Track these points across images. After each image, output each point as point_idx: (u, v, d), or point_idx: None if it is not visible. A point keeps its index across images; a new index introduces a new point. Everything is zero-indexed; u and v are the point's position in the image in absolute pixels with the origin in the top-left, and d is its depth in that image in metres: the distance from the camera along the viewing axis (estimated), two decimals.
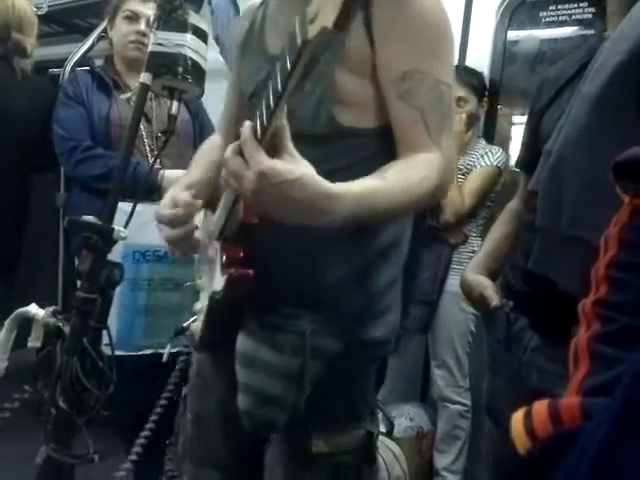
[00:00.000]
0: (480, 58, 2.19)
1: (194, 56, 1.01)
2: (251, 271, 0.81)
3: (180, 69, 0.99)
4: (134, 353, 1.51)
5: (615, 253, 0.49)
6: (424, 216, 1.80)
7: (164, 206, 0.94)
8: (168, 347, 1.08)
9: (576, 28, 2.17)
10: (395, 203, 0.77)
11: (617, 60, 0.85)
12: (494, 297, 1.17)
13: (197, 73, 1.02)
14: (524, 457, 0.39)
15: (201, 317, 0.99)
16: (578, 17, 2.13)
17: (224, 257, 0.86)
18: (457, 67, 2.06)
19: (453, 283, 1.73)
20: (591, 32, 2.08)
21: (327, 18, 0.51)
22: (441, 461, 1.97)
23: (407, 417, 2.03)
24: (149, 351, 1.52)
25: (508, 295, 1.16)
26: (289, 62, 0.58)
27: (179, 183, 1.01)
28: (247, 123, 0.68)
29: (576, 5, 2.11)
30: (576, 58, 1.12)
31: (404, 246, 0.98)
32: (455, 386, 1.92)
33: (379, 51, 0.82)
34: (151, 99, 1.73)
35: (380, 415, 1.92)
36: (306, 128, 0.83)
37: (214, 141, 1.10)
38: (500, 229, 1.31)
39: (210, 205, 1.02)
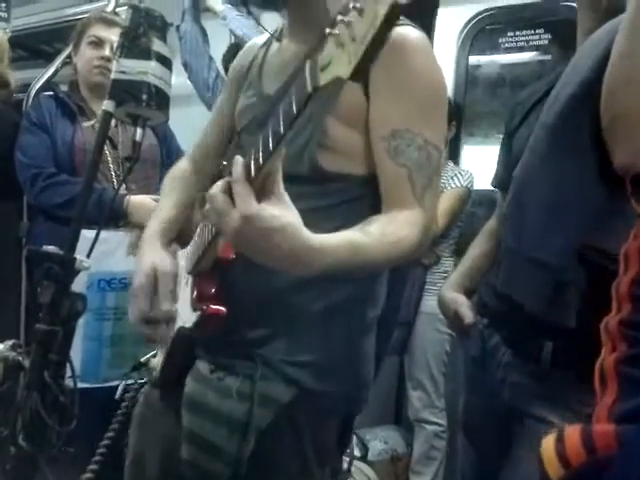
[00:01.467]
0: None
1: (158, 83, 1.01)
2: (224, 309, 0.80)
3: (144, 96, 0.99)
4: (100, 385, 1.46)
5: (638, 270, 0.48)
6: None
7: (143, 274, 0.89)
8: (122, 383, 1.05)
9: (534, 53, 2.25)
10: (373, 259, 0.76)
11: (569, 92, 0.88)
12: (468, 315, 1.18)
13: (161, 100, 1.02)
14: None
15: (162, 352, 0.96)
16: (535, 43, 2.22)
17: (195, 292, 0.85)
18: None
19: (428, 304, 1.74)
20: (548, 57, 2.17)
21: (342, 68, 0.51)
22: None
23: (381, 440, 2.02)
24: (116, 382, 1.47)
25: (482, 312, 1.17)
26: (295, 106, 0.59)
27: (154, 217, 0.99)
28: (239, 160, 0.67)
29: (533, 32, 2.20)
30: (546, 81, 1.16)
31: (380, 292, 0.96)
32: (431, 407, 1.92)
33: (372, 106, 0.83)
34: (116, 125, 1.71)
35: (354, 439, 1.90)
36: (289, 168, 0.82)
37: (183, 169, 1.08)
38: (477, 248, 1.33)
39: (179, 239, 1.00)
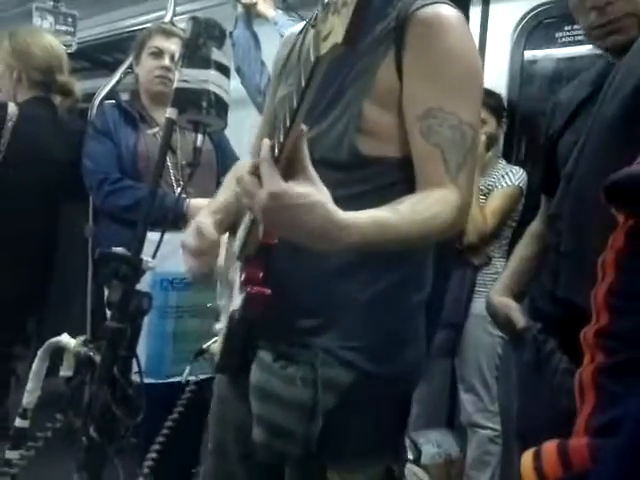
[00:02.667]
0: (498, 79, 2.20)
1: (217, 91, 1.04)
2: (268, 290, 0.82)
3: (204, 104, 1.02)
4: (163, 381, 1.52)
5: (613, 280, 0.47)
6: (450, 242, 1.81)
7: (189, 234, 0.96)
8: (188, 369, 1.10)
9: (592, 47, 2.17)
10: (404, 236, 0.77)
11: (635, 83, 0.85)
12: (520, 319, 1.16)
13: (220, 107, 1.05)
14: None
15: (220, 338, 1.00)
16: None
17: (243, 276, 0.87)
18: None
19: (478, 306, 1.72)
20: None
21: (338, 35, 0.53)
22: None
23: (434, 444, 2.00)
24: (178, 378, 1.53)
25: (535, 317, 1.15)
26: (304, 78, 0.60)
27: (206, 209, 1.04)
28: (266, 141, 0.70)
29: None
30: (587, 80, 1.13)
31: (426, 276, 0.97)
32: (484, 411, 1.89)
33: (405, 86, 0.84)
34: (176, 131, 1.78)
35: (407, 442, 1.90)
36: (329, 154, 0.85)
37: (242, 166, 1.13)
38: (523, 251, 1.30)
39: (234, 229, 1.04)
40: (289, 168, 0.68)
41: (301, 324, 0.89)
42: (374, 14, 0.86)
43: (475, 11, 2.23)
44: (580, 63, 2.20)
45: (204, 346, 1.07)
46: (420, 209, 0.78)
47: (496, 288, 1.30)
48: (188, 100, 1.03)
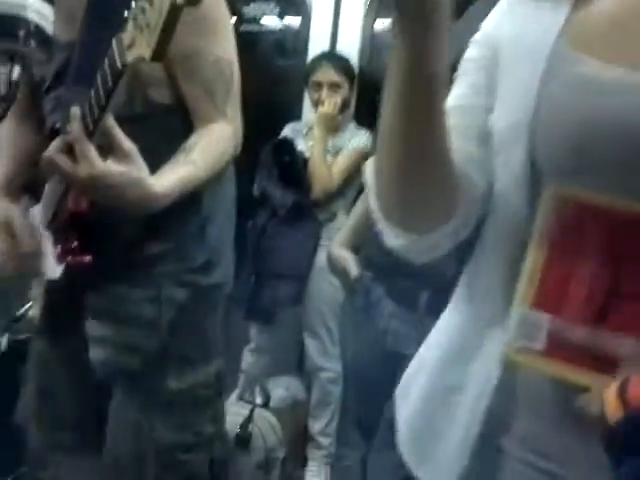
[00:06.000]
0: (350, 45, 2.28)
1: (37, 19, 0.96)
2: (88, 257, 0.86)
3: (21, 33, 0.93)
4: None
5: None
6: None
7: None
8: (6, 336, 1.07)
9: None
10: (203, 180, 0.89)
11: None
12: (354, 269, 1.26)
13: (41, 38, 0.97)
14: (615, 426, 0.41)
15: (38, 303, 1.03)
16: None
17: (59, 247, 0.89)
18: (330, 54, 2.17)
19: (322, 258, 1.80)
20: None
21: (142, 50, 0.59)
22: (315, 426, 2.08)
23: (283, 388, 2.11)
24: None
25: (367, 266, 1.26)
26: (111, 81, 0.66)
27: None
28: (75, 115, 0.72)
29: None
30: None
31: (228, 208, 1.10)
32: (326, 354, 2.02)
33: None
34: None
35: (257, 388, 1.98)
36: (122, 110, 0.87)
37: (9, 123, 1.09)
38: (362, 205, 1.40)
39: (27, 190, 1.02)
40: (104, 144, 0.72)
41: (137, 257, 0.98)
42: None
43: None
44: None
45: (18, 313, 1.04)
46: (208, 155, 0.89)
47: (336, 241, 1.39)
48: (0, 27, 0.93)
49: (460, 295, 0.64)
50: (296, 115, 2.30)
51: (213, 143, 0.91)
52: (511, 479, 0.54)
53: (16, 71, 0.97)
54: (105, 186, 0.71)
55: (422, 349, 0.68)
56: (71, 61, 0.89)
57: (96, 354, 0.97)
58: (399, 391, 0.68)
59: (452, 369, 0.59)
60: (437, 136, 0.50)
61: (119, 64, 0.64)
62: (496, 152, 0.54)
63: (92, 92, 0.69)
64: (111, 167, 0.71)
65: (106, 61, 0.66)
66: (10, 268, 0.95)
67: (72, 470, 1.27)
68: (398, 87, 0.47)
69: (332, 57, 2.13)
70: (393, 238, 0.59)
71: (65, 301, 0.98)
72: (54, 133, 0.85)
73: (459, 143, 0.53)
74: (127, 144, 0.73)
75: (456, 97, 0.58)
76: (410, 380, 0.66)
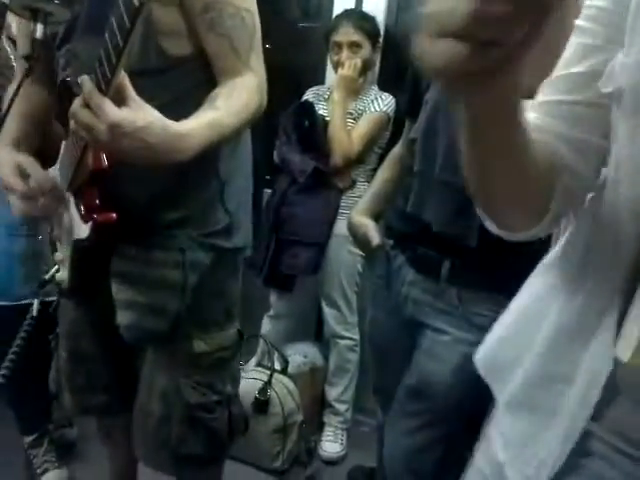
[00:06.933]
0: (376, 2, 2.15)
1: None
2: (114, 214, 0.86)
3: None
4: (13, 303, 1.43)
5: None
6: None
7: (9, 175, 0.93)
8: (36, 301, 1.08)
9: None
10: (229, 130, 0.86)
11: None
12: (375, 237, 1.25)
13: None
14: None
15: (66, 265, 1.02)
16: None
17: (81, 206, 0.89)
18: (350, 12, 2.02)
19: (341, 227, 1.78)
20: None
21: None
22: (332, 393, 2.10)
23: (301, 354, 2.13)
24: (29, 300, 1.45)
25: (388, 235, 1.24)
26: (128, 21, 0.63)
27: (3, 138, 1.01)
28: (86, 77, 0.71)
29: None
30: None
31: (245, 173, 1.10)
32: (344, 323, 2.02)
33: None
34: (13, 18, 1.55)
35: (275, 354, 2.00)
36: (137, 65, 0.85)
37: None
38: (384, 173, 1.38)
39: (39, 155, 1.01)
40: (116, 98, 0.71)
41: (160, 221, 0.98)
42: None
43: None
44: None
45: (46, 277, 1.05)
46: (233, 103, 0.87)
47: (357, 209, 1.37)
48: None
49: (563, 270, 0.61)
50: (320, 78, 2.21)
51: (237, 92, 0.88)
52: (600, 465, 0.54)
53: (39, 30, 0.94)
54: (127, 133, 0.70)
55: (513, 322, 0.67)
56: (81, 10, 0.87)
57: (123, 317, 0.99)
58: (497, 374, 0.67)
59: (560, 357, 0.57)
60: (522, 161, 0.49)
61: (136, 2, 0.61)
62: (627, 115, 0.50)
63: (106, 35, 0.67)
64: (128, 112, 0.71)
65: (120, 1, 0.64)
66: (33, 210, 0.94)
67: (99, 429, 1.32)
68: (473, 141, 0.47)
69: (352, 15, 1.97)
70: (493, 228, 0.59)
71: (92, 266, 0.99)
72: (66, 88, 0.84)
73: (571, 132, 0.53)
74: (138, 97, 0.72)
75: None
76: (513, 362, 0.64)
